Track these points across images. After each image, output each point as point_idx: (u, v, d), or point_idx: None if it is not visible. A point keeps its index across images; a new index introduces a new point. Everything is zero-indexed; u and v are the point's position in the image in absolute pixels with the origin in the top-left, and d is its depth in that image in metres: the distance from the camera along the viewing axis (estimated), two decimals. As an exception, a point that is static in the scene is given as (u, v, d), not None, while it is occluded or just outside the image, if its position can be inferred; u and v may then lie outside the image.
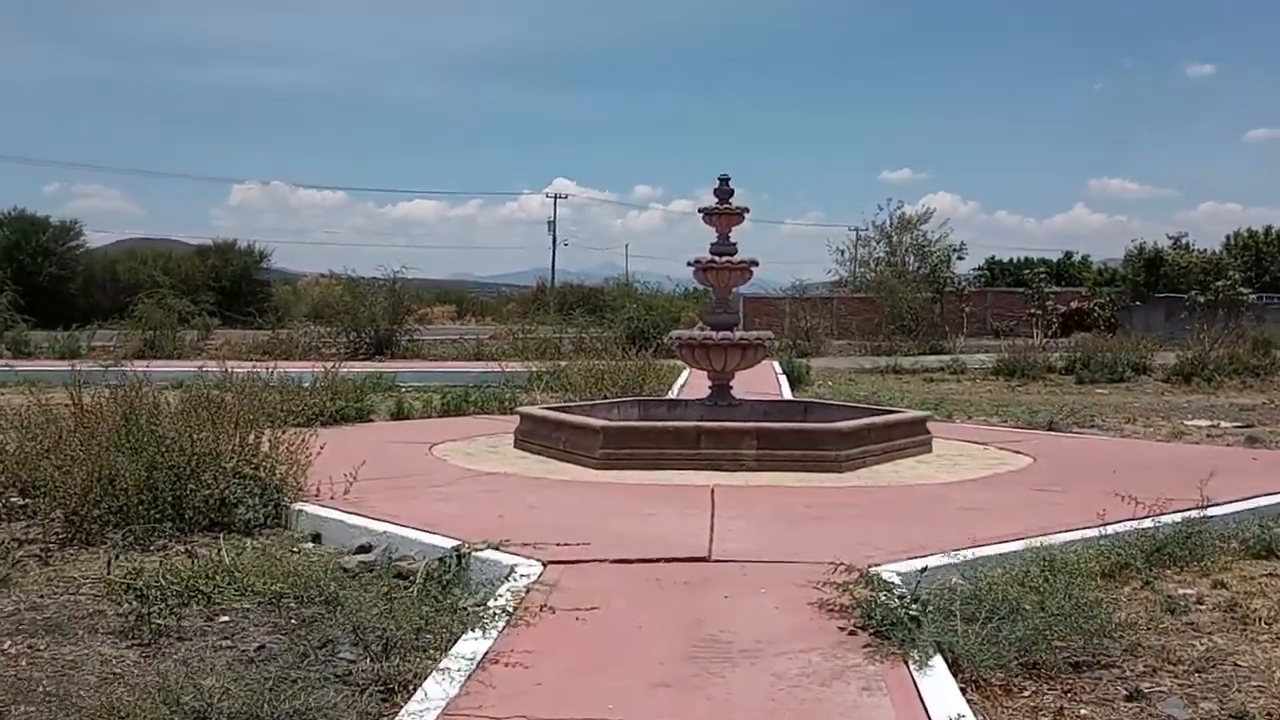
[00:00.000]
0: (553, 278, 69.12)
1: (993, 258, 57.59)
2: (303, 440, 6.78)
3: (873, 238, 48.15)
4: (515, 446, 9.45)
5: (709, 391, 9.53)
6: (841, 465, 8.03)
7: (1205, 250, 43.19)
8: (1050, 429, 12.37)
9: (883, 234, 46.94)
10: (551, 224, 73.45)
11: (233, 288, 55.02)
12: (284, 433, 6.86)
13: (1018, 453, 9.43)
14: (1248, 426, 12.71)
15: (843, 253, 49.72)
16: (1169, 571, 5.38)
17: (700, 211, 9.55)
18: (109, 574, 4.95)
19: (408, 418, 12.32)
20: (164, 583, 4.65)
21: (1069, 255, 56.18)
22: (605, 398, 13.55)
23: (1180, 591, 5.04)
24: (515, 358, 23.13)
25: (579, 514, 6.32)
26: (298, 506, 6.38)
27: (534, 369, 17.24)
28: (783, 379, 17.88)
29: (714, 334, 9.18)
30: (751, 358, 9.29)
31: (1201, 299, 32.06)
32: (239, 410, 6.82)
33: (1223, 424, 13.04)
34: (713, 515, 6.20)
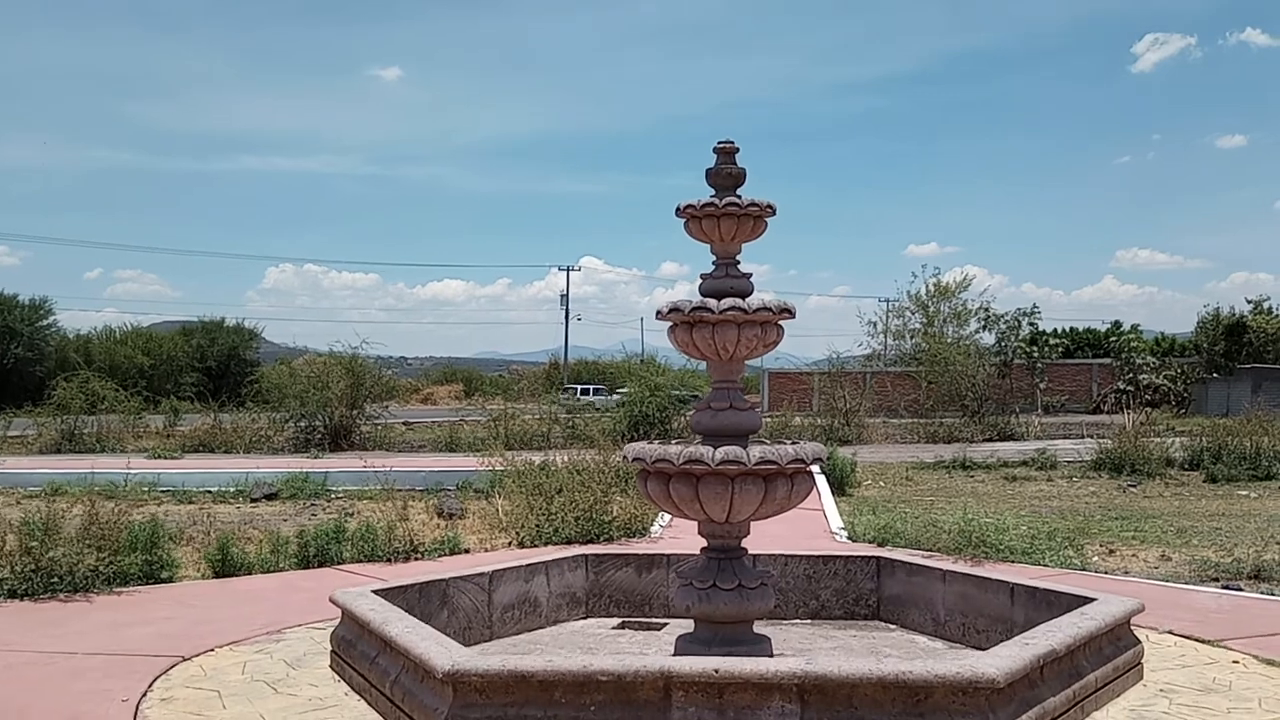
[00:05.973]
0: (565, 354, 64.90)
1: (1035, 327, 52.64)
2: None
3: (907, 307, 43.72)
4: (331, 667, 4.93)
5: (702, 559, 4.86)
6: (998, 763, 3.43)
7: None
8: (1260, 578, 7.84)
9: (918, 303, 42.58)
10: (564, 298, 69.49)
11: (219, 368, 51.06)
12: None
13: (1313, 677, 4.81)
14: None
15: (874, 324, 45.44)
16: None
17: (682, 213, 4.92)
18: None
19: (238, 573, 7.78)
20: None
21: (1117, 325, 50.87)
22: (554, 527, 9.07)
23: None
24: (494, 448, 19.34)
25: None
26: None
27: (499, 467, 13.10)
28: (822, 484, 13.18)
29: (708, 451, 4.52)
30: (784, 497, 4.61)
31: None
32: None
33: None
34: None
